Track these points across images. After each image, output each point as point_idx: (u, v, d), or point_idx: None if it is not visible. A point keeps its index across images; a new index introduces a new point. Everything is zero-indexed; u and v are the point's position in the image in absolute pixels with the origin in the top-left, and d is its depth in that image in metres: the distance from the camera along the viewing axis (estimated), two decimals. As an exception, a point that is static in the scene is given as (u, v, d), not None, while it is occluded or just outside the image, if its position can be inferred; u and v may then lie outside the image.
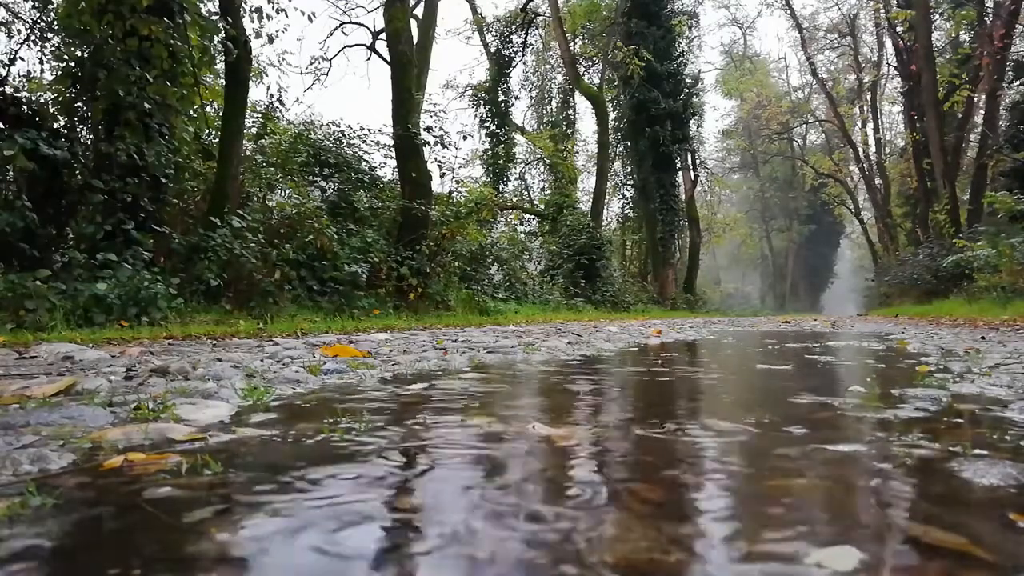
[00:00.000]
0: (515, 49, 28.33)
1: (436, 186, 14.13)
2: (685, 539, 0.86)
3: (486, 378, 2.84)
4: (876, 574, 0.75)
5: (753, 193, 55.10)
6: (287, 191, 11.69)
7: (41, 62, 8.89)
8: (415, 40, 14.78)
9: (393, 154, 13.34)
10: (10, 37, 8.82)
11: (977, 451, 1.33)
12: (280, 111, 13.93)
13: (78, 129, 8.19)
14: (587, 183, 32.26)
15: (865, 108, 36.19)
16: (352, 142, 14.20)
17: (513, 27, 27.78)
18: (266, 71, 14.53)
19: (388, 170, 14.95)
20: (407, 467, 1.25)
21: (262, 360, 3.39)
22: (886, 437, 1.50)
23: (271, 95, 15.24)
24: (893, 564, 0.78)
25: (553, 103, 30.90)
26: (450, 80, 41.90)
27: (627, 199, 31.17)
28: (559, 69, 29.90)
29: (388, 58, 14.08)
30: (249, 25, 9.46)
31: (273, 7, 9.64)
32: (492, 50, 28.22)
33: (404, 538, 0.87)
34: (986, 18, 21.89)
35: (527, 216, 26.57)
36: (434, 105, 15.89)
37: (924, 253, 21.65)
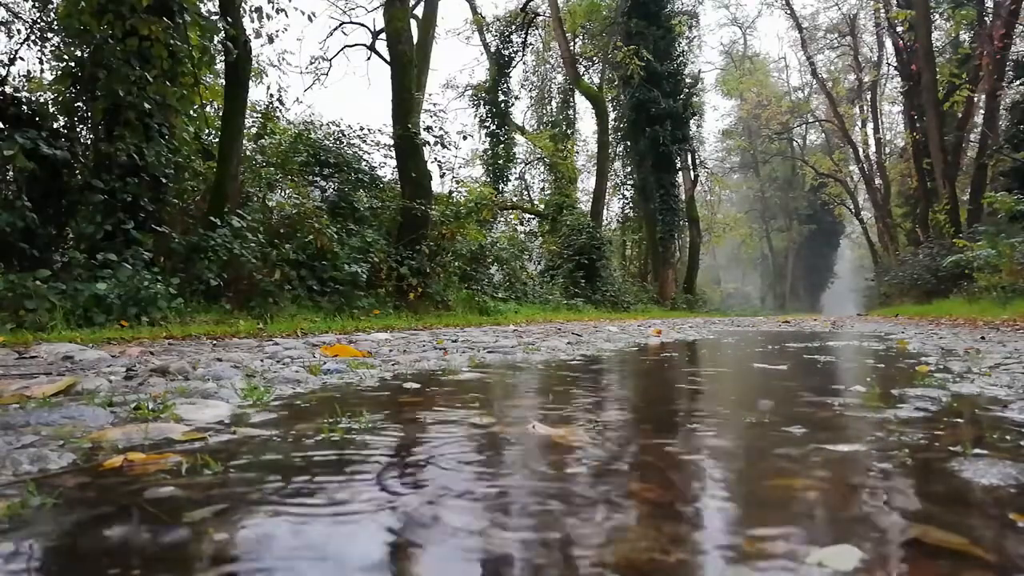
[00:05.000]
0: (515, 49, 28.32)
1: (436, 186, 14.15)
2: (684, 539, 0.86)
3: (486, 378, 2.84)
4: (876, 574, 0.75)
5: (753, 193, 55.08)
6: (287, 191, 11.68)
7: (41, 62, 8.90)
8: (415, 40, 14.78)
9: (393, 154, 13.34)
10: (10, 37, 8.82)
11: (977, 451, 1.33)
12: (280, 111, 13.92)
13: (78, 129, 8.18)
14: (587, 183, 32.29)
15: (865, 108, 36.18)
16: (352, 142, 14.19)
17: (513, 27, 27.76)
18: (266, 71, 14.56)
19: (388, 170, 14.96)
20: (407, 467, 1.25)
21: (262, 360, 3.39)
22: (886, 437, 1.50)
23: (271, 95, 15.24)
24: (893, 564, 0.78)
25: (553, 103, 30.87)
26: (450, 80, 41.88)
27: (627, 199, 31.16)
28: (559, 69, 29.88)
29: (388, 58, 14.08)
30: (249, 25, 9.46)
31: (273, 7, 9.63)
32: (492, 50, 28.20)
33: (404, 538, 0.87)
34: (986, 18, 21.89)
35: (527, 216, 26.55)
36: (434, 105, 15.91)
37: (924, 253, 21.65)
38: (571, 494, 1.07)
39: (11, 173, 7.23)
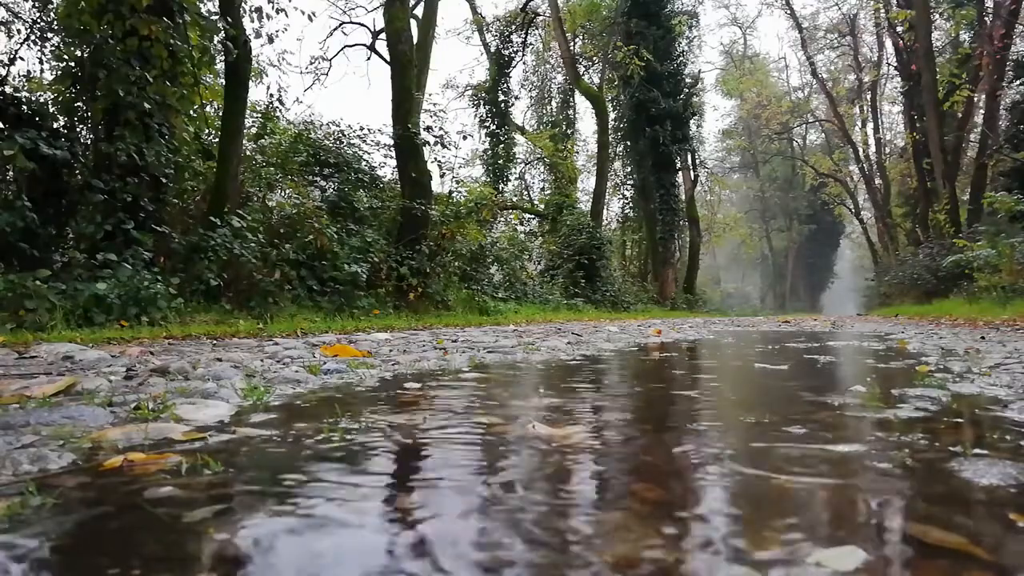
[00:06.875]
0: (515, 49, 28.30)
1: (436, 186, 14.15)
2: (684, 539, 0.86)
3: (486, 378, 2.84)
4: (877, 574, 0.75)
5: (753, 193, 55.06)
6: (287, 191, 11.68)
7: (41, 62, 8.90)
8: (415, 40, 14.78)
9: (393, 154, 13.34)
10: (10, 37, 8.83)
11: (977, 451, 1.33)
12: (280, 111, 13.92)
13: (78, 129, 8.19)
14: (587, 183, 32.25)
15: (865, 108, 36.18)
16: (352, 142, 14.20)
17: (513, 27, 27.75)
18: (266, 71, 14.54)
19: (388, 170, 14.97)
20: (407, 467, 1.25)
21: (262, 360, 3.39)
22: (886, 437, 1.50)
23: (271, 95, 15.26)
24: (893, 564, 0.78)
25: (553, 103, 30.87)
26: (450, 80, 41.91)
27: (627, 199, 31.16)
28: (559, 69, 29.88)
29: (388, 58, 14.08)
30: (249, 25, 9.47)
31: (273, 7, 9.64)
32: (492, 50, 28.19)
33: (403, 540, 0.87)
34: (986, 18, 21.88)
35: (527, 216, 26.55)
36: (434, 105, 15.93)
37: (924, 253, 21.63)
38: (571, 493, 1.07)
39: (11, 173, 7.24)
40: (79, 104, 8.02)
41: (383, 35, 17.28)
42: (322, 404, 2.02)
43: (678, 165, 28.77)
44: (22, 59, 8.67)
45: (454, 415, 1.81)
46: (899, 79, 29.71)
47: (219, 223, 8.41)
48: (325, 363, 3.09)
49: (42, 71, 8.91)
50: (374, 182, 14.12)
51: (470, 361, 3.55)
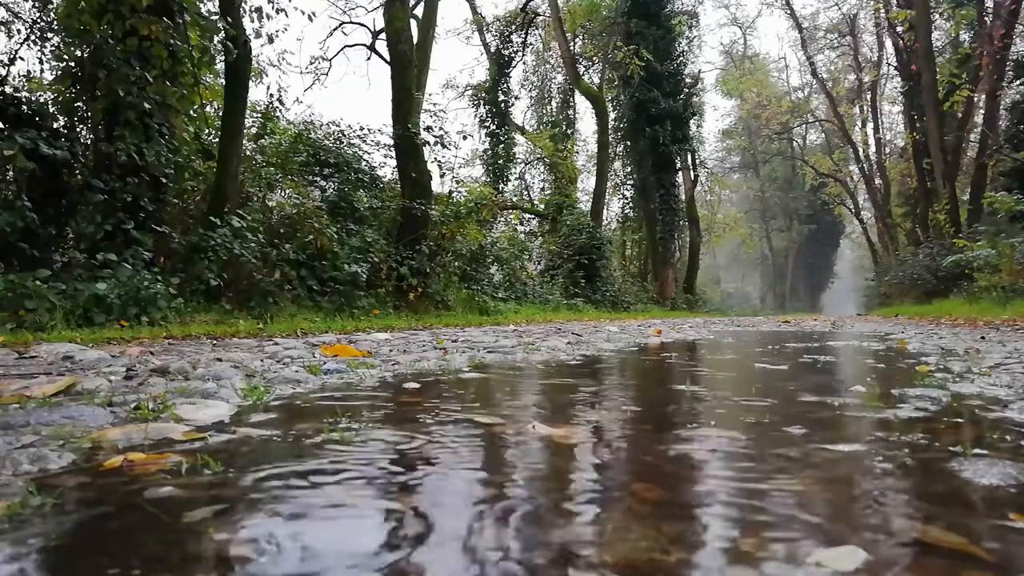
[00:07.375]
0: (515, 49, 28.29)
1: (436, 186, 14.15)
2: (684, 539, 0.86)
3: (486, 378, 2.84)
4: (876, 574, 0.75)
5: (753, 193, 55.06)
6: (287, 191, 11.68)
7: (41, 62, 8.90)
8: (415, 40, 14.78)
9: (393, 154, 13.34)
10: (10, 37, 8.83)
11: (977, 451, 1.33)
12: (280, 111, 13.91)
13: (78, 129, 8.18)
14: (587, 183, 32.24)
15: (865, 108, 36.18)
16: (352, 142, 14.20)
17: (513, 27, 27.74)
18: (266, 71, 14.53)
19: (388, 170, 14.97)
20: (406, 468, 1.25)
21: (262, 360, 3.39)
22: (886, 437, 1.50)
23: (271, 95, 15.26)
24: (893, 564, 0.78)
25: (553, 103, 30.87)
26: (450, 80, 41.94)
27: (627, 199, 31.17)
28: (559, 69, 29.88)
29: (388, 58, 14.08)
30: (249, 25, 9.46)
31: (273, 7, 9.64)
32: (492, 50, 28.19)
33: (403, 540, 0.87)
34: (986, 18, 21.87)
35: (527, 216, 26.55)
36: (434, 105, 15.93)
37: (924, 253, 21.63)
38: (571, 492, 1.07)
39: (11, 173, 7.23)
40: (79, 104, 8.02)
41: (383, 35, 17.27)
42: (322, 404, 2.02)
43: (678, 165, 28.77)
44: (22, 59, 8.68)
45: (454, 415, 1.81)
46: (899, 79, 29.71)
47: (219, 223, 8.41)
48: (325, 363, 3.09)
49: (42, 71, 8.92)
50: (374, 182, 14.12)
51: (470, 361, 3.55)
